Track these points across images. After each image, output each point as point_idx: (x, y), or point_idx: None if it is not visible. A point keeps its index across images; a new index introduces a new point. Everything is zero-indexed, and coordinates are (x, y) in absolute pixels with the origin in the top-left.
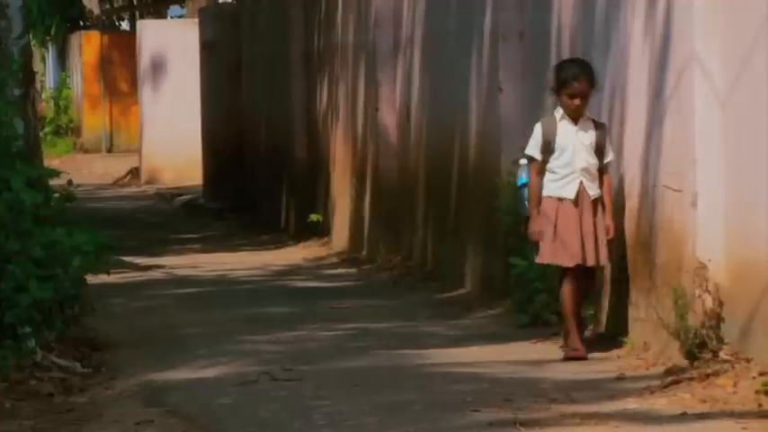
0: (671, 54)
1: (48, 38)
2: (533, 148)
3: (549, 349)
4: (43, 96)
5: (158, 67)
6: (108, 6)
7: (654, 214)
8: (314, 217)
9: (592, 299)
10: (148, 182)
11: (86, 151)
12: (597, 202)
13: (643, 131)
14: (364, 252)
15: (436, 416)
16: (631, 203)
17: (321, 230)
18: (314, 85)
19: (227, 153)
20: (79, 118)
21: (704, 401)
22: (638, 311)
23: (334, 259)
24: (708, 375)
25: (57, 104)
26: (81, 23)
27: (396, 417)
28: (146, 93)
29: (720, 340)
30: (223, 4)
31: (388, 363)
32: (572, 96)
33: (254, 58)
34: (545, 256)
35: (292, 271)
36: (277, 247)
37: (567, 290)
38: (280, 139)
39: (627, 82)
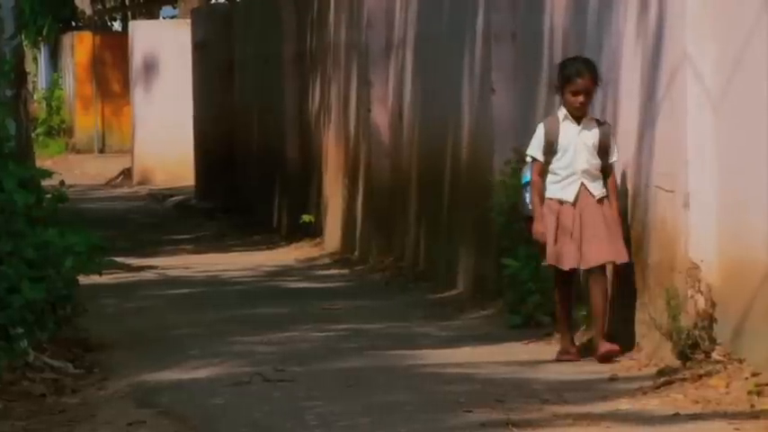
0: (663, 55)
1: (40, 38)
2: (535, 149)
3: (542, 350)
4: (35, 97)
5: (150, 67)
6: (100, 7)
7: (646, 215)
8: (306, 217)
9: (584, 300)
10: (140, 182)
11: (78, 152)
12: (603, 200)
13: (635, 132)
14: (356, 253)
15: (429, 416)
16: (624, 204)
17: (313, 231)
18: (306, 86)
19: (220, 153)
20: (71, 118)
21: (697, 402)
22: (630, 312)
23: (327, 260)
24: (700, 376)
25: (49, 105)
26: (73, 24)
27: (388, 417)
28: (138, 93)
29: (713, 341)
30: (215, 4)
31: (380, 363)
32: (575, 93)
33: (247, 59)
34: (550, 257)
35: (284, 272)
36: (269, 248)
37: (560, 293)
38: (272, 139)
39: (619, 83)
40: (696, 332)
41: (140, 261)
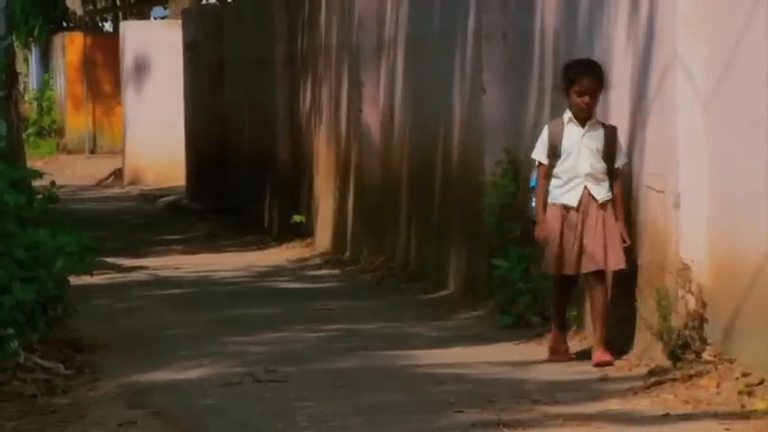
0: (654, 55)
1: (31, 39)
2: (540, 152)
3: (533, 350)
4: (26, 98)
5: (141, 68)
6: (91, 7)
7: (637, 215)
8: (297, 218)
9: (574, 300)
10: (132, 183)
11: (69, 152)
12: (607, 204)
13: (626, 133)
14: (348, 253)
15: (420, 417)
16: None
17: (304, 231)
18: (297, 86)
19: (211, 154)
20: (62, 119)
21: (687, 402)
22: (621, 312)
23: (318, 260)
24: (691, 376)
25: (40, 106)
26: (64, 24)
27: (379, 418)
28: (129, 94)
29: (703, 341)
30: (206, 5)
31: (371, 364)
32: (581, 94)
33: (238, 59)
34: (549, 267)
35: (276, 272)
36: (260, 248)
37: (556, 297)
38: (263, 139)
39: (610, 83)
40: (687, 332)
41: (131, 261)
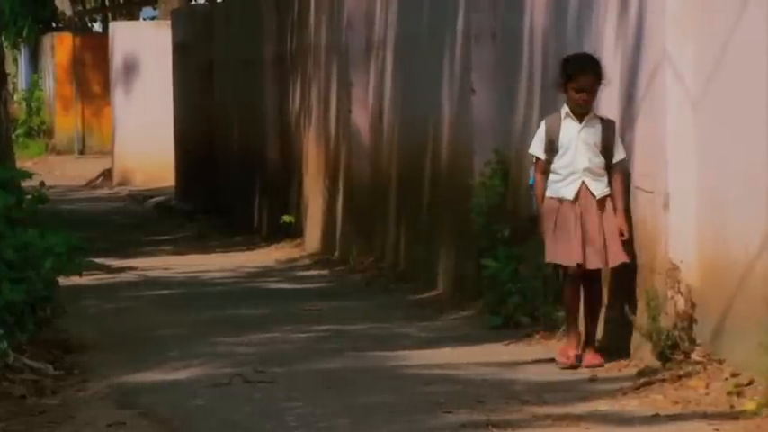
0: (643, 55)
1: (20, 39)
2: (537, 148)
3: (522, 350)
4: (15, 98)
5: (131, 68)
6: (80, 8)
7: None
8: (286, 218)
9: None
10: (121, 183)
11: (59, 153)
12: (605, 200)
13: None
14: (337, 253)
15: (409, 417)
16: None
17: (294, 232)
18: (286, 87)
19: (200, 155)
20: (51, 120)
21: (676, 403)
22: (610, 312)
23: (307, 261)
24: (680, 377)
25: (29, 106)
26: (53, 25)
27: (368, 418)
28: (118, 94)
29: (692, 341)
30: (195, 5)
31: (360, 364)
32: (579, 90)
33: (227, 60)
34: (548, 254)
35: (265, 272)
36: (249, 249)
37: (567, 293)
38: (252, 140)
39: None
40: (676, 333)
41: (120, 262)
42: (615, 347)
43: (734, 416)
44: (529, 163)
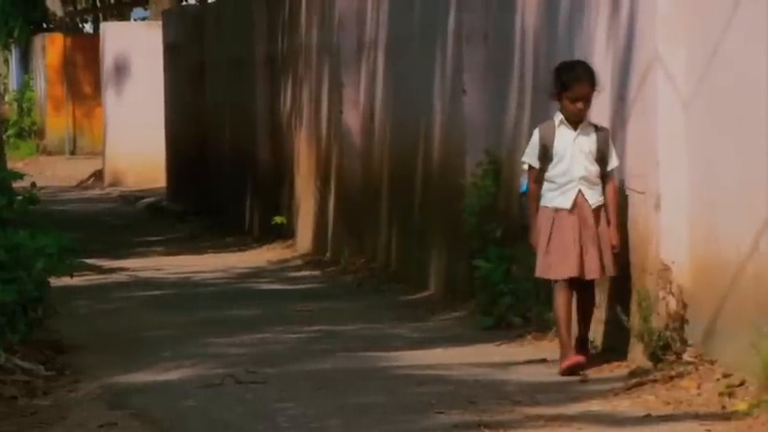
0: (634, 56)
1: (11, 40)
2: (531, 156)
3: (514, 351)
4: (6, 99)
5: (122, 69)
6: (71, 8)
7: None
8: (278, 219)
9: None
10: (112, 184)
11: (50, 154)
12: (600, 210)
13: None
14: (328, 254)
15: (400, 418)
16: None
17: (285, 232)
18: (278, 87)
19: (191, 155)
20: (42, 120)
21: (668, 403)
22: (602, 313)
23: (299, 261)
24: (671, 377)
25: (20, 107)
26: (44, 26)
27: (360, 419)
28: (109, 95)
29: (684, 342)
30: (186, 6)
31: (352, 365)
32: (575, 100)
33: (218, 60)
34: (539, 269)
35: (256, 273)
36: (241, 250)
37: (559, 302)
38: (244, 141)
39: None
40: (667, 333)
41: (112, 263)
42: (607, 348)
43: (725, 416)
44: (520, 165)
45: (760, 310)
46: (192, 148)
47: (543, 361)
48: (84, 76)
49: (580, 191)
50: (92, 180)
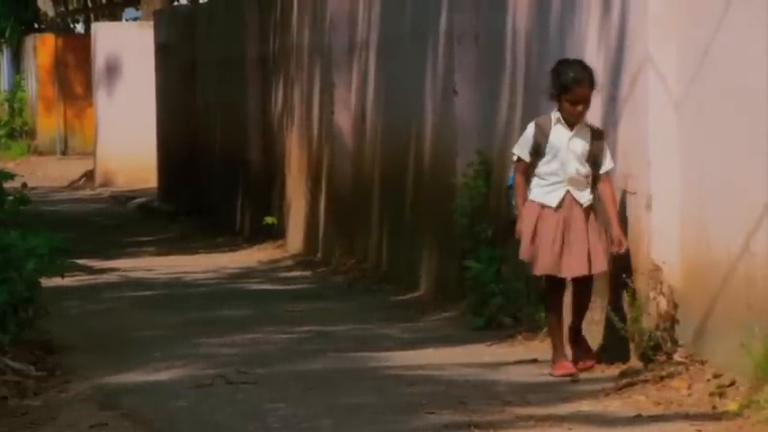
0: (625, 56)
1: (2, 40)
2: (522, 148)
3: (504, 351)
4: None
5: (113, 69)
6: (63, 9)
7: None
8: (269, 219)
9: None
10: (103, 184)
11: (41, 154)
12: (590, 208)
13: None
14: (319, 254)
15: (391, 418)
16: None
17: (276, 233)
18: (269, 88)
19: (182, 156)
20: (34, 121)
21: (658, 403)
22: (593, 313)
23: (290, 262)
24: (662, 377)
25: (11, 107)
26: (36, 26)
27: (351, 419)
28: (100, 95)
29: (675, 342)
30: (178, 6)
31: (343, 365)
32: (575, 103)
33: (209, 61)
34: (524, 254)
35: (247, 273)
36: (232, 250)
37: (551, 304)
38: (235, 141)
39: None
40: (658, 334)
41: (103, 263)
42: (598, 348)
43: (716, 417)
44: (510, 157)
45: (750, 311)
46: (184, 149)
47: (534, 361)
48: (76, 76)
49: (569, 191)
50: (83, 180)
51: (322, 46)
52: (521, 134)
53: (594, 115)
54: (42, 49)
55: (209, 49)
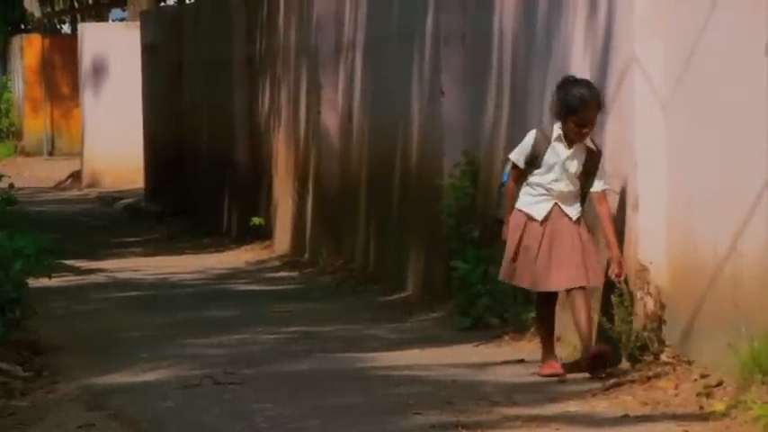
0: (612, 57)
1: None
2: (519, 155)
3: (491, 352)
4: None
5: (100, 70)
6: (49, 10)
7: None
8: (256, 220)
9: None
10: (90, 185)
11: (28, 155)
12: (580, 220)
13: None
14: (306, 255)
15: (378, 419)
16: None
17: (263, 233)
18: (256, 88)
19: (169, 156)
20: (20, 121)
21: (645, 404)
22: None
23: (277, 262)
24: (649, 378)
25: None
26: (22, 27)
27: (338, 420)
28: (87, 96)
29: (662, 343)
30: (164, 7)
31: (330, 366)
32: (581, 125)
33: (196, 61)
34: (503, 273)
35: (234, 274)
36: (219, 251)
37: (540, 314)
38: (222, 142)
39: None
40: (645, 334)
41: (90, 264)
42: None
43: (703, 417)
44: (500, 163)
45: (737, 311)
46: (171, 149)
47: (521, 361)
48: (63, 76)
49: (557, 204)
50: (70, 181)
51: (309, 46)
52: (508, 135)
53: None
54: (29, 49)
55: (196, 49)
